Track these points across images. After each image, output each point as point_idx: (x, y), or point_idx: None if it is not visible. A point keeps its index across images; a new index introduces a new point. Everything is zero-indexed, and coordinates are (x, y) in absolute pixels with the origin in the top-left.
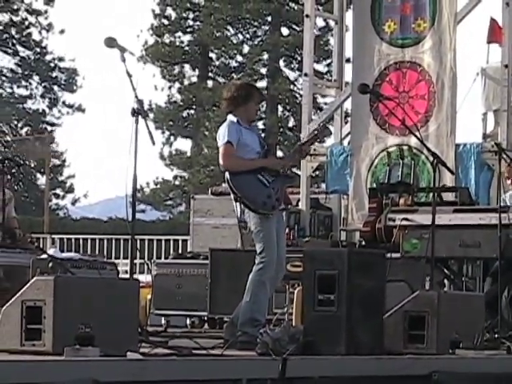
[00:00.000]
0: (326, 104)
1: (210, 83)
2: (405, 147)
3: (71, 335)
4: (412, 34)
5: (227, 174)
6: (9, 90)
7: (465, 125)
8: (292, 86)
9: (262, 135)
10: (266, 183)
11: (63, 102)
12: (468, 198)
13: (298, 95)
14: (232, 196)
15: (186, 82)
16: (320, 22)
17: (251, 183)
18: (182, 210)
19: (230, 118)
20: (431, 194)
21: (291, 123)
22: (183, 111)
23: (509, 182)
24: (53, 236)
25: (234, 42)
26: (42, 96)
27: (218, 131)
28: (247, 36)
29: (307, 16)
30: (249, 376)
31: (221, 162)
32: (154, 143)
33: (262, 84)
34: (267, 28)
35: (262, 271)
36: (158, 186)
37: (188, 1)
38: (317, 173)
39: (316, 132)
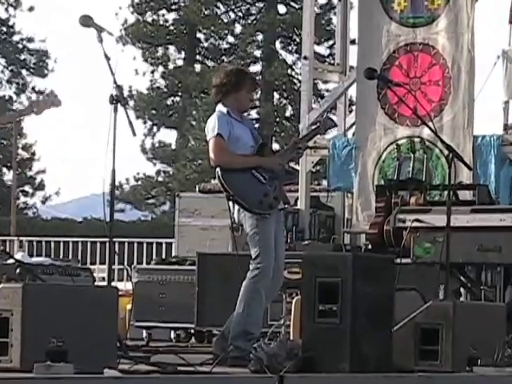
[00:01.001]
0: (327, 91)
1: (197, 67)
2: (416, 139)
3: (42, 350)
4: (425, 13)
5: (218, 170)
6: None
7: (484, 114)
8: (290, 71)
9: (256, 126)
10: (261, 180)
11: (32, 88)
12: (487, 196)
13: (296, 81)
14: (224, 194)
15: (170, 66)
16: None
17: (245, 180)
18: (166, 210)
19: (220, 108)
20: (446, 192)
21: (288, 112)
22: (167, 98)
23: None
24: (21, 238)
25: (225, 20)
26: (9, 81)
27: (207, 124)
28: (239, 14)
29: None
30: None
31: (211, 156)
32: (134, 134)
33: (255, 68)
34: (262, 5)
35: (257, 278)
36: (139, 183)
37: None
38: (317, 168)
39: (317, 124)
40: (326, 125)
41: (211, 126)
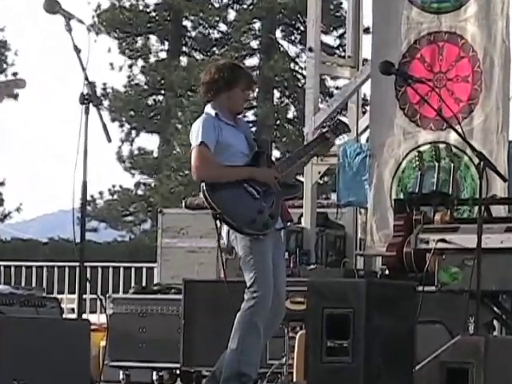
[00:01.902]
0: (337, 88)
1: (183, 60)
2: (441, 145)
3: None
4: None
5: (203, 184)
6: None
7: None
8: (292, 65)
9: (253, 129)
10: (255, 195)
11: None
12: None
13: (300, 76)
14: (211, 213)
15: (151, 59)
16: None
17: (236, 195)
18: (147, 229)
19: (207, 110)
20: (476, 208)
21: (291, 114)
22: (148, 97)
23: None
24: None
25: (216, 5)
26: None
27: (192, 127)
28: None
29: None
30: None
31: (193, 169)
32: (109, 140)
33: (252, 62)
34: None
35: (254, 310)
36: (115, 197)
37: None
38: (325, 179)
39: (326, 129)
40: (336, 130)
41: (195, 132)
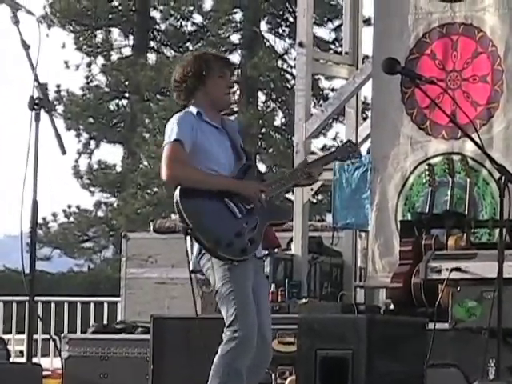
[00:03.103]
0: (333, 90)
1: (151, 58)
2: (456, 157)
3: None
4: None
5: (177, 192)
6: None
7: None
8: (280, 63)
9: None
10: (236, 213)
11: None
12: None
13: (289, 76)
14: (181, 226)
15: (114, 56)
16: None
17: (213, 209)
18: (109, 257)
19: (189, 108)
20: (497, 231)
21: (279, 120)
22: (110, 102)
23: None
24: None
25: None
26: None
27: (167, 125)
28: None
29: None
30: None
31: (162, 168)
32: (64, 152)
33: (233, 59)
34: None
35: (235, 353)
36: (72, 220)
37: None
38: (319, 197)
39: (334, 150)
40: (345, 153)
41: (169, 129)
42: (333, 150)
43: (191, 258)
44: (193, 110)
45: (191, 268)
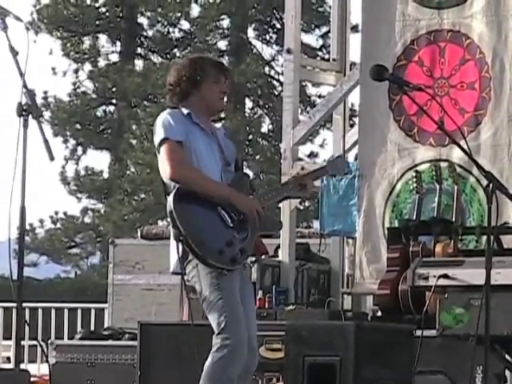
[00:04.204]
0: (320, 97)
1: (138, 64)
2: (443, 164)
3: None
4: None
5: (170, 198)
6: None
7: None
8: (267, 69)
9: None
10: (228, 222)
11: None
12: None
13: (276, 83)
14: (171, 232)
15: (101, 63)
16: None
17: (206, 216)
18: (96, 263)
19: (181, 109)
20: (484, 238)
21: (266, 127)
22: (97, 108)
23: None
24: None
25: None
26: None
27: (155, 124)
28: None
29: None
30: None
31: (164, 167)
32: (52, 158)
33: None
34: None
35: (227, 361)
36: (59, 226)
37: None
38: (306, 204)
39: (323, 165)
40: (335, 168)
41: (158, 128)
42: (324, 164)
43: (171, 259)
44: (184, 110)
45: (171, 270)
